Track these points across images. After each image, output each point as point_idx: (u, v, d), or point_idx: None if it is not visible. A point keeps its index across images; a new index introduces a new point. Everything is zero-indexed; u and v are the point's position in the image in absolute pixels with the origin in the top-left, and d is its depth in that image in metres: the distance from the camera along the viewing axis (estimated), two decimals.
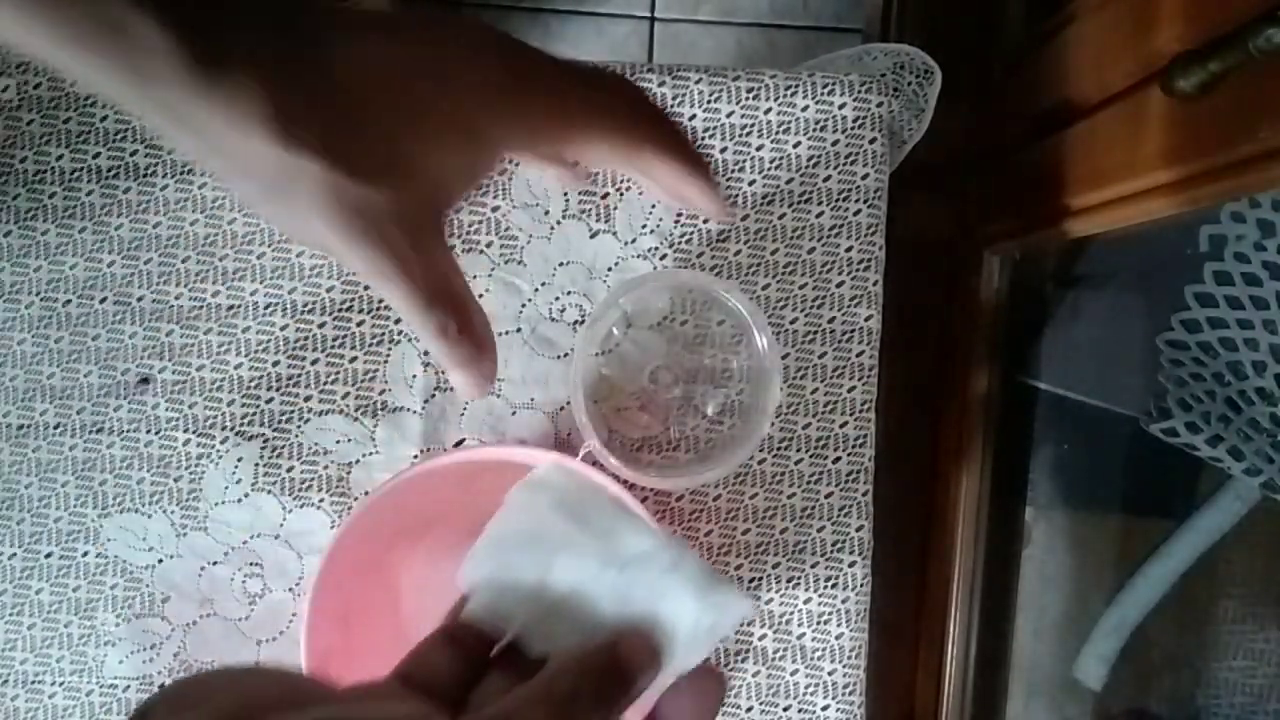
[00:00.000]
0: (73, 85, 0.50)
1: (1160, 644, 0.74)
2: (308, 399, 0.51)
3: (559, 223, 0.51)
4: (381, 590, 0.50)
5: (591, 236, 0.51)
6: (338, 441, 0.51)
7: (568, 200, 0.51)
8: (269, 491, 0.51)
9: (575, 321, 0.51)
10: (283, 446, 0.51)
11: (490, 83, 0.27)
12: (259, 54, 0.24)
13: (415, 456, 0.51)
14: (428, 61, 0.27)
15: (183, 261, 0.50)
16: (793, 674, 0.52)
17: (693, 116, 0.51)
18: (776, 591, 0.52)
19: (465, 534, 0.49)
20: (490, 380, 0.32)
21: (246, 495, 0.51)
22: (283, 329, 0.50)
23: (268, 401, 0.51)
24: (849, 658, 0.52)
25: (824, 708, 0.52)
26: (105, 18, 0.22)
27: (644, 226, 0.51)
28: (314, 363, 0.50)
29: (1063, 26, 0.71)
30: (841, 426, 0.52)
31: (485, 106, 0.27)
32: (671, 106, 0.50)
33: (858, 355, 0.52)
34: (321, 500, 0.51)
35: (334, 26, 0.26)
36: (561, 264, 0.51)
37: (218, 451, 0.51)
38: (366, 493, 0.50)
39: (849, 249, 0.51)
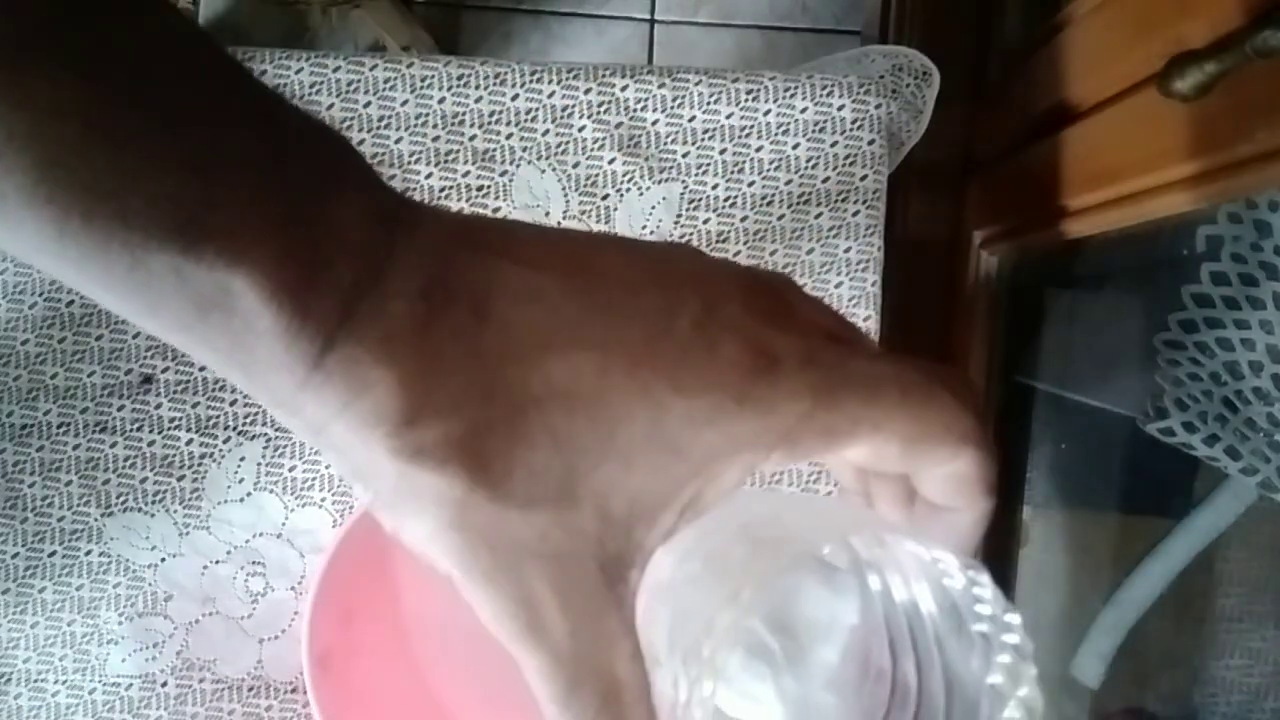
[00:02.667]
0: None
1: (1158, 642, 0.74)
2: None
3: (559, 224, 0.51)
4: (383, 590, 0.50)
5: None
6: None
7: (568, 201, 0.51)
8: (271, 491, 0.51)
9: None
10: (285, 446, 0.51)
11: (722, 385, 0.19)
12: (396, 332, 0.18)
13: None
14: (634, 345, 0.19)
15: None
16: None
17: (692, 118, 0.51)
18: None
19: None
20: None
21: (249, 494, 0.51)
22: None
23: None
24: None
25: None
26: (194, 282, 0.17)
27: (644, 227, 0.51)
28: None
29: (1060, 29, 0.71)
30: None
31: (714, 419, 0.19)
32: (671, 108, 0.51)
33: None
34: (324, 499, 0.51)
35: (504, 278, 0.19)
36: None
37: (220, 451, 0.51)
38: None
39: (847, 250, 0.52)
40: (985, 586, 0.22)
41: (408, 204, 0.19)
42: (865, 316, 0.52)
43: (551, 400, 0.19)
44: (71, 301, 0.50)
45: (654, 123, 0.51)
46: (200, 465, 0.51)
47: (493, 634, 0.20)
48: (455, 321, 0.18)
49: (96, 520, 0.51)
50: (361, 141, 0.50)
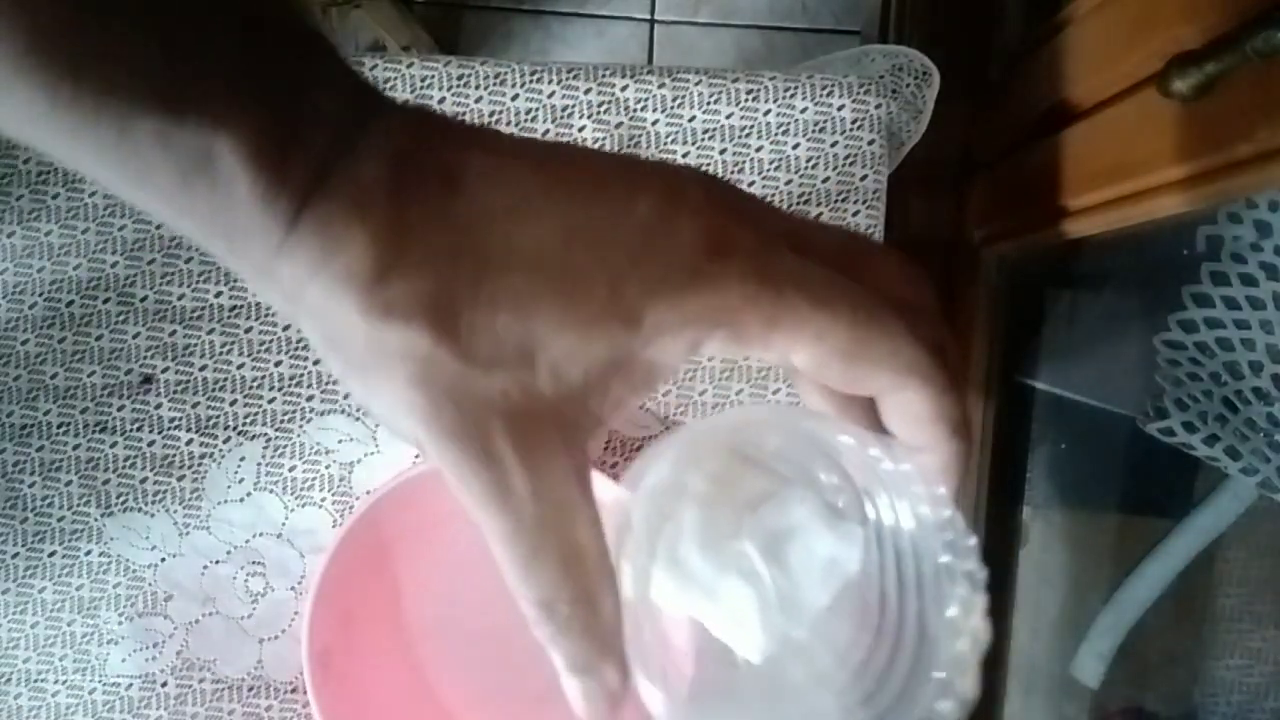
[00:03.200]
0: None
1: (1158, 642, 0.74)
2: (310, 398, 0.51)
3: None
4: (383, 589, 0.50)
5: None
6: (340, 441, 0.51)
7: None
8: (271, 491, 0.51)
9: None
10: (285, 446, 0.51)
11: (677, 264, 0.20)
12: (368, 192, 0.19)
13: (417, 456, 0.51)
14: (596, 222, 0.20)
15: (185, 262, 0.50)
16: None
17: (692, 118, 0.51)
18: None
19: (467, 534, 0.49)
20: (615, 698, 0.22)
21: (249, 494, 0.51)
22: (285, 329, 0.51)
23: (270, 401, 0.51)
24: None
25: None
26: (179, 145, 0.18)
27: None
28: (316, 362, 0.51)
29: (1060, 29, 0.71)
30: None
31: (665, 294, 0.20)
32: (671, 108, 0.51)
33: None
34: (324, 499, 0.51)
35: (472, 158, 0.20)
36: None
37: (220, 451, 0.51)
38: (369, 492, 0.50)
39: None
40: (949, 510, 0.23)
41: (382, 94, 0.21)
42: None
43: (516, 266, 0.19)
44: (71, 302, 0.50)
45: (654, 123, 0.51)
46: (200, 465, 0.51)
47: (459, 498, 0.20)
48: (425, 188, 0.19)
49: (96, 520, 0.51)
50: None
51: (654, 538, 0.23)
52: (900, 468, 0.23)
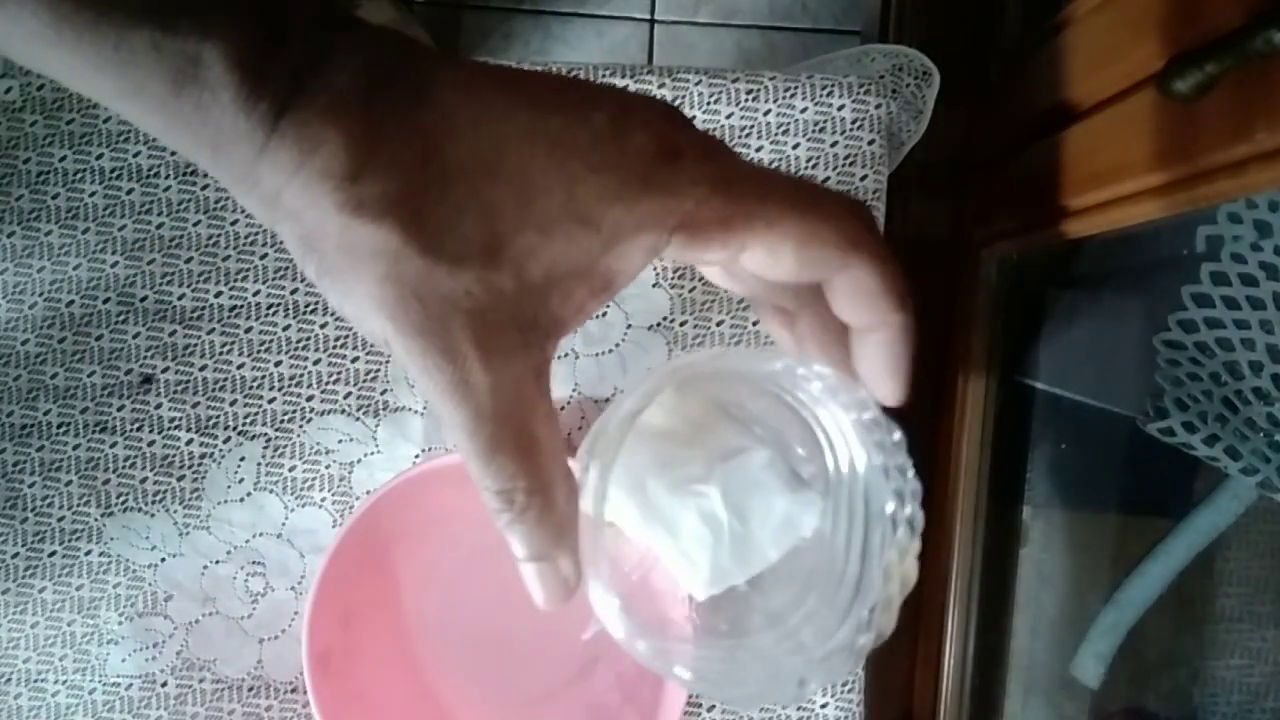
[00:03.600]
0: None
1: (1158, 642, 0.74)
2: (310, 399, 0.51)
3: None
4: (383, 590, 0.50)
5: None
6: (340, 441, 0.51)
7: None
8: (271, 491, 0.51)
9: None
10: (285, 446, 0.51)
11: (632, 167, 0.21)
12: (342, 98, 0.20)
13: (417, 456, 0.51)
14: (555, 129, 0.21)
15: (185, 262, 0.51)
16: None
17: (693, 118, 0.51)
18: None
19: (467, 534, 0.49)
20: (568, 585, 0.24)
21: (249, 494, 0.51)
22: (285, 329, 0.51)
23: (270, 401, 0.51)
24: None
25: (823, 705, 0.52)
26: (168, 54, 0.19)
27: None
28: (316, 363, 0.51)
29: (1060, 29, 0.71)
30: None
31: (622, 197, 0.21)
32: None
33: None
34: (324, 499, 0.51)
35: (440, 72, 0.22)
36: None
37: (220, 451, 0.51)
38: (369, 492, 0.50)
39: None
40: (902, 454, 0.25)
41: (359, 17, 0.22)
42: None
43: (480, 171, 0.21)
44: (71, 302, 0.50)
45: None
46: (200, 465, 0.51)
47: (422, 390, 0.23)
48: (396, 97, 0.21)
49: (96, 520, 0.51)
50: None
51: (620, 460, 0.25)
52: (828, 378, 0.25)
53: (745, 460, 0.27)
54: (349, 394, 0.51)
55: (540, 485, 0.22)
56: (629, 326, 0.51)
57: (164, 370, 0.51)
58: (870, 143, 0.51)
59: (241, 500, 0.51)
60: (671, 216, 0.21)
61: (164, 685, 0.51)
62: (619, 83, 0.50)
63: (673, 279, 0.51)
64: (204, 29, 0.19)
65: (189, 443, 0.51)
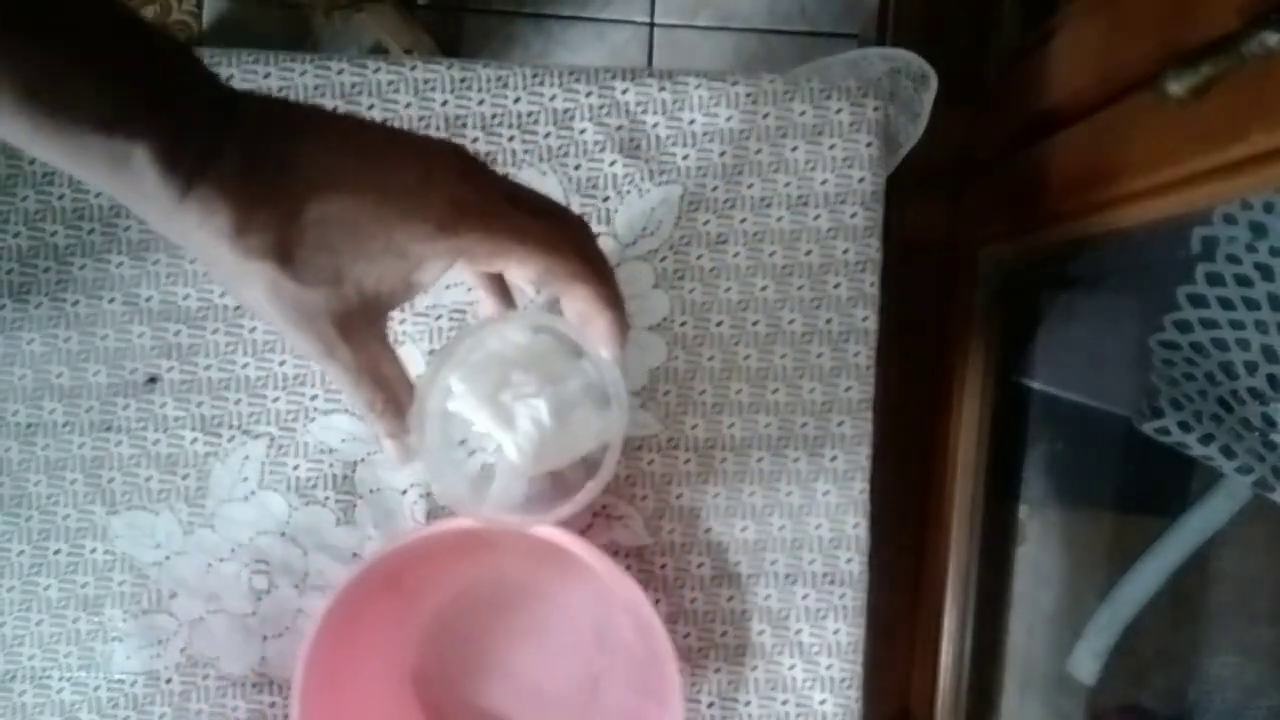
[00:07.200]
0: None
1: (1153, 640, 0.75)
2: (313, 398, 0.51)
3: None
4: (372, 659, 0.51)
5: None
6: (343, 440, 0.51)
7: (569, 203, 0.51)
8: (275, 489, 0.51)
9: None
10: (289, 445, 0.51)
11: (430, 219, 0.32)
12: (228, 180, 0.30)
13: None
14: (378, 191, 0.32)
15: (190, 262, 0.51)
16: (790, 669, 0.53)
17: (692, 121, 0.51)
18: (774, 587, 0.53)
19: (455, 596, 0.50)
20: (409, 454, 0.37)
21: (253, 493, 0.51)
22: None
23: (274, 400, 0.51)
24: (846, 653, 0.53)
25: (821, 702, 0.53)
26: (111, 151, 0.28)
27: (644, 229, 0.52)
28: None
29: (1057, 32, 0.72)
30: (839, 426, 0.52)
31: (423, 239, 0.32)
32: (671, 111, 0.51)
33: (855, 356, 0.52)
34: (327, 498, 0.51)
35: (303, 145, 0.31)
36: None
37: (224, 450, 0.51)
38: (355, 555, 0.50)
39: (846, 251, 0.52)
40: (605, 352, 0.37)
41: (240, 95, 0.31)
42: (864, 317, 0.52)
43: (328, 222, 0.31)
44: (77, 301, 0.51)
45: (654, 125, 0.52)
46: (204, 464, 0.51)
47: (311, 360, 0.38)
48: (267, 171, 0.31)
49: (101, 518, 0.51)
50: None
51: (479, 377, 0.37)
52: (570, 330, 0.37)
53: (567, 384, 0.38)
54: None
55: (392, 399, 0.35)
56: (629, 327, 0.51)
57: (169, 369, 0.51)
58: (868, 145, 0.52)
59: (245, 499, 0.51)
60: (456, 250, 0.32)
61: (168, 682, 0.52)
62: (618, 86, 0.51)
63: (672, 280, 0.52)
64: (130, 136, 0.28)
65: (193, 441, 0.51)
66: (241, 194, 0.30)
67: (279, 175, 0.31)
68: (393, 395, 0.35)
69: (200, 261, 0.33)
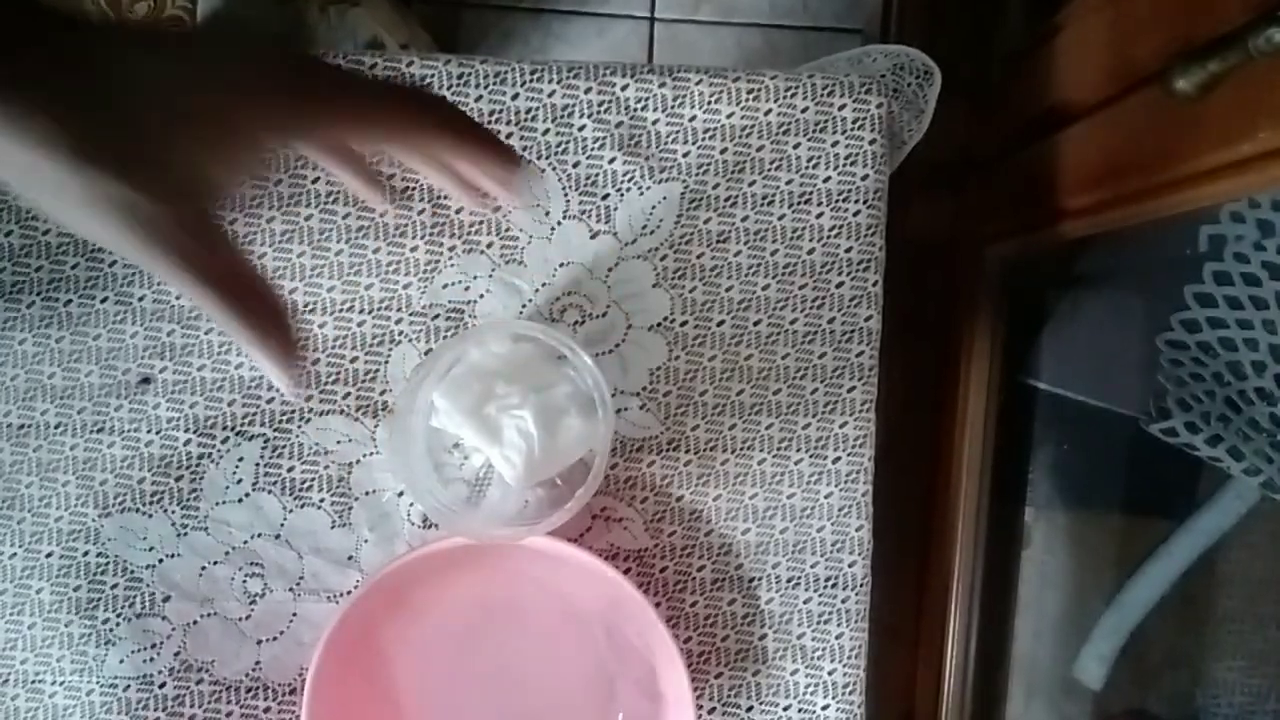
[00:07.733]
0: None
1: (1160, 644, 0.74)
2: (308, 399, 0.51)
3: (559, 223, 0.51)
4: (378, 684, 0.50)
5: (592, 237, 0.51)
6: (338, 441, 0.51)
7: (568, 201, 0.51)
8: (269, 491, 0.51)
9: (575, 322, 0.51)
10: (283, 446, 0.51)
11: (263, 98, 0.31)
12: (55, 95, 0.28)
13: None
14: (205, 79, 0.31)
15: None
16: (793, 673, 0.52)
17: (693, 118, 0.51)
18: (777, 591, 0.52)
19: (458, 617, 0.50)
20: (289, 359, 0.34)
21: (247, 495, 0.51)
22: None
23: (268, 401, 0.51)
24: (849, 657, 0.52)
25: (824, 707, 0.52)
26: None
27: (644, 228, 0.51)
28: (315, 363, 0.51)
29: (1062, 27, 0.71)
30: (841, 427, 0.52)
31: (261, 116, 0.31)
32: (672, 108, 0.51)
33: (857, 355, 0.52)
34: (322, 500, 0.51)
35: (120, 52, 0.30)
36: (562, 264, 0.51)
37: (218, 451, 0.51)
38: (356, 585, 0.50)
39: (849, 249, 0.51)
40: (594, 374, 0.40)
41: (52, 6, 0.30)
42: (867, 316, 0.51)
43: (158, 120, 0.30)
44: (69, 301, 0.50)
45: (654, 122, 0.51)
46: (198, 465, 0.51)
47: (168, 282, 0.35)
48: (98, 83, 0.29)
49: (94, 521, 0.51)
50: None
51: (463, 392, 0.38)
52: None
53: (552, 392, 0.38)
54: (348, 394, 0.51)
55: (251, 298, 0.33)
56: (629, 327, 0.51)
57: (162, 370, 0.51)
58: (871, 142, 0.51)
59: (240, 501, 0.51)
60: (294, 123, 0.33)
61: (162, 686, 0.51)
62: (618, 82, 0.50)
63: (673, 279, 0.51)
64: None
65: (187, 443, 0.51)
66: (73, 107, 0.28)
67: (105, 80, 0.29)
68: (254, 293, 0.33)
69: (41, 202, 0.30)
